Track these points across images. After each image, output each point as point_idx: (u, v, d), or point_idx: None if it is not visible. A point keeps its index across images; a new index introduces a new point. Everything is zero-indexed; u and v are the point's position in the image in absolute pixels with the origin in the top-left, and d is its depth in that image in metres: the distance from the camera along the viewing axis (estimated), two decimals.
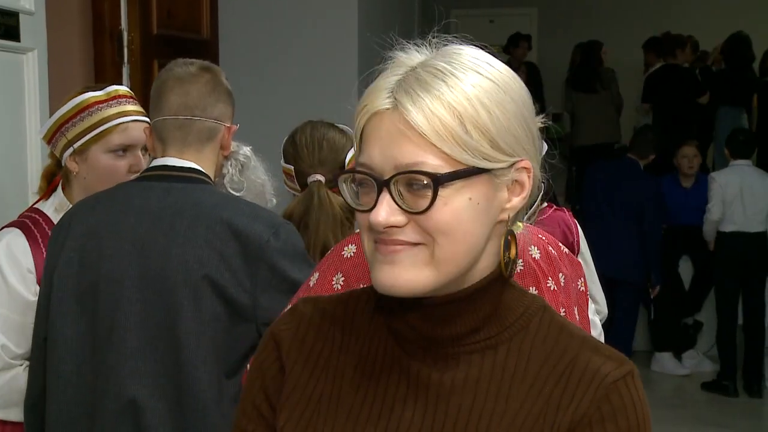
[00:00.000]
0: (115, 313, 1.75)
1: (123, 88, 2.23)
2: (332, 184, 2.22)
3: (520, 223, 1.59)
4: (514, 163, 0.99)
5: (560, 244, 1.65)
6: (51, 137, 2.17)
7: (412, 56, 1.01)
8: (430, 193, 0.95)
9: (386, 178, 0.96)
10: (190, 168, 1.85)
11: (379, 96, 0.98)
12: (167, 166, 1.86)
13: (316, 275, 1.56)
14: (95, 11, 3.51)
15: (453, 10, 9.30)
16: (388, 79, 0.99)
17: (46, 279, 1.86)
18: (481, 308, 1.03)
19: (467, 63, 0.99)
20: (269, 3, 5.00)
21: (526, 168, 1.01)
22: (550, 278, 1.55)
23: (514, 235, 1.03)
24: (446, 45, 1.03)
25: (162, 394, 1.73)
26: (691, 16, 9.26)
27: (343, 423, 1.03)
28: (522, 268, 1.52)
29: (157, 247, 1.76)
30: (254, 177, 2.00)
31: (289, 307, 1.19)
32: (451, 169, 0.95)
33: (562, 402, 1.00)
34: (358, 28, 5.01)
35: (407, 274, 0.97)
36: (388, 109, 0.97)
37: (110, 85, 2.22)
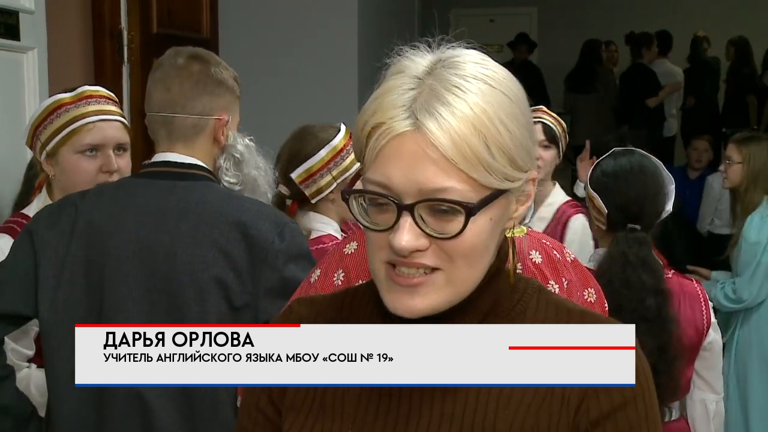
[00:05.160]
0: (121, 314, 1.73)
1: (95, 88, 2.18)
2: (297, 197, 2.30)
3: (524, 227, 1.59)
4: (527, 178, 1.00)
5: (567, 250, 1.64)
6: (31, 142, 2.16)
7: (416, 63, 0.98)
8: (458, 219, 0.94)
9: (409, 202, 0.94)
10: (192, 164, 1.82)
11: (398, 115, 0.94)
12: (169, 162, 1.83)
13: (318, 272, 1.56)
14: (95, 10, 3.52)
15: (453, 9, 9.29)
16: (402, 94, 0.95)
17: (52, 272, 1.78)
18: (483, 303, 1.03)
19: (477, 73, 0.96)
20: (269, 2, 5.00)
21: (533, 179, 1.01)
22: (552, 281, 1.54)
23: (512, 239, 1.03)
24: (446, 47, 1.00)
25: (171, 394, 1.72)
26: (693, 15, 9.26)
27: (349, 427, 1.03)
28: (521, 271, 1.52)
29: (161, 248, 1.74)
30: (247, 171, 1.95)
31: (286, 307, 1.18)
32: (477, 194, 0.94)
33: None
34: (358, 27, 5.01)
35: (426, 300, 0.97)
36: (408, 130, 0.93)
37: (82, 86, 2.18)
